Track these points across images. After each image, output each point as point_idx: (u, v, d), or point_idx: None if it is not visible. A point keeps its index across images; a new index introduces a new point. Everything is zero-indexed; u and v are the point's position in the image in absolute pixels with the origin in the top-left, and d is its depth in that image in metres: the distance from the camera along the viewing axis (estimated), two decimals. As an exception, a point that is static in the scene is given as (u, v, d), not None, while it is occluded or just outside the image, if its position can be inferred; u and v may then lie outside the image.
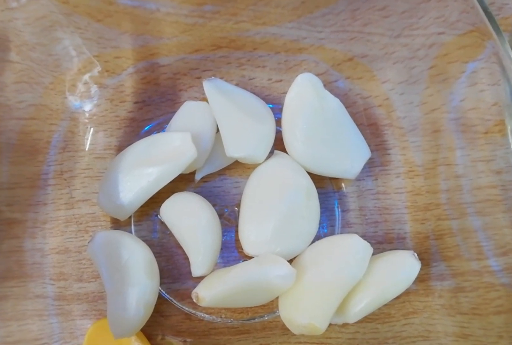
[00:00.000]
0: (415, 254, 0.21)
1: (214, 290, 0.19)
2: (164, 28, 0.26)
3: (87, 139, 0.24)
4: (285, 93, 0.25)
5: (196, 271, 0.21)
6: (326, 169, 0.23)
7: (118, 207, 0.21)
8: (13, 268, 0.23)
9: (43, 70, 0.24)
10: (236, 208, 0.23)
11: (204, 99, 0.24)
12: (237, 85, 0.26)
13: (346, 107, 0.25)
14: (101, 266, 0.20)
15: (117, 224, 0.23)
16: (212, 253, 0.21)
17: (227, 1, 0.26)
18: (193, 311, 0.22)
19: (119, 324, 0.19)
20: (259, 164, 0.23)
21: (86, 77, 0.25)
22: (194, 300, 0.20)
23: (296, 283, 0.20)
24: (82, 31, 0.24)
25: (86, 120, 0.24)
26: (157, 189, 0.21)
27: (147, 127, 0.24)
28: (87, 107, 0.24)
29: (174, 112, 0.24)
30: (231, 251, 0.23)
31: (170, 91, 0.25)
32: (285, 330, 0.22)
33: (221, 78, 0.26)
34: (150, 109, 0.25)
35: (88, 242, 0.21)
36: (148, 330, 0.21)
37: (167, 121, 0.24)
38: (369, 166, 0.25)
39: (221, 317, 0.22)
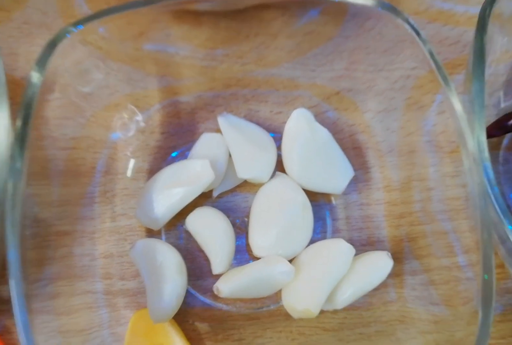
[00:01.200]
0: (389, 254, 0.26)
1: (231, 284, 0.24)
2: (183, 70, 0.31)
3: (124, 164, 0.29)
4: (285, 122, 0.29)
5: (216, 269, 0.26)
6: (318, 186, 0.28)
7: (153, 219, 0.26)
8: (63, 271, 0.27)
9: (85, 105, 0.28)
10: (245, 218, 0.28)
11: (218, 130, 0.29)
12: (244, 117, 0.30)
13: (334, 134, 0.30)
14: (141, 267, 0.25)
15: (151, 233, 0.28)
16: (228, 255, 0.26)
17: (234, 44, 0.31)
18: (213, 303, 0.27)
19: (157, 313, 0.25)
20: (264, 183, 0.27)
21: (121, 112, 0.30)
22: (215, 292, 0.25)
23: (295, 278, 0.25)
24: (115, 73, 0.29)
25: (123, 149, 0.29)
26: (184, 205, 0.26)
27: (173, 154, 0.29)
28: (123, 137, 0.29)
29: (194, 140, 0.29)
30: (242, 254, 0.28)
31: (189, 123, 0.30)
32: (287, 316, 0.26)
33: (231, 111, 0.30)
34: (174, 138, 0.29)
35: (130, 249, 0.26)
36: (179, 317, 0.26)
37: (189, 149, 0.28)
38: (354, 182, 0.29)
39: (235, 307, 0.27)
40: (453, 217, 0.28)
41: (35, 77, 0.22)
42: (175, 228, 0.28)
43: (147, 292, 0.25)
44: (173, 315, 0.25)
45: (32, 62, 0.31)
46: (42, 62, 0.22)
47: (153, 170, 0.29)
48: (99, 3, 0.33)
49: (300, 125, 0.28)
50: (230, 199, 0.29)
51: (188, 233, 0.27)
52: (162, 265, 0.25)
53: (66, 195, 0.28)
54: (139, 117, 0.29)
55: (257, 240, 0.26)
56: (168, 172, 0.27)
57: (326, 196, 0.29)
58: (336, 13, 0.29)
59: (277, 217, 0.26)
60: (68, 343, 0.26)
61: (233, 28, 0.31)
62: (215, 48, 0.31)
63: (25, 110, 0.22)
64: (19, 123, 0.22)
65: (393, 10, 0.24)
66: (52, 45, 0.22)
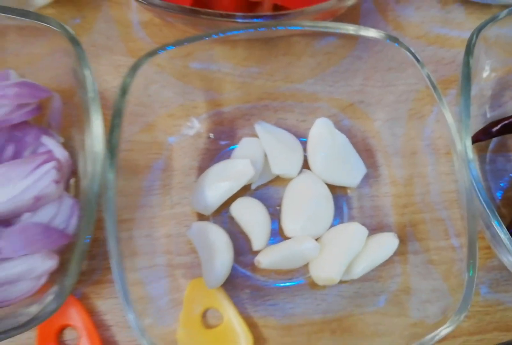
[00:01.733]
0: (395, 234, 0.32)
1: (269, 257, 0.31)
2: (224, 85, 0.37)
3: (179, 163, 0.35)
4: (308, 129, 0.35)
5: (256, 246, 0.32)
6: (337, 181, 0.34)
7: (205, 206, 0.32)
8: (129, 249, 0.32)
9: (149, 113, 0.34)
10: (277, 207, 0.34)
11: (254, 135, 0.35)
12: (275, 124, 0.36)
13: (349, 138, 0.35)
14: (197, 244, 0.32)
15: (201, 218, 0.33)
16: (266, 235, 0.32)
17: (266, 63, 0.38)
18: (252, 274, 0.33)
19: (211, 280, 0.31)
20: (293, 178, 0.33)
21: (176, 120, 0.36)
22: (256, 264, 0.31)
23: (320, 253, 0.31)
24: (171, 87, 0.35)
25: (178, 150, 0.35)
26: (230, 195, 0.32)
27: (218, 154, 0.35)
28: (178, 141, 0.35)
29: (235, 143, 0.35)
30: (275, 236, 0.33)
31: (230, 129, 0.36)
32: (312, 286, 0.33)
33: (264, 120, 0.36)
34: (218, 142, 0.35)
35: (187, 230, 0.32)
36: (225, 285, 0.32)
37: (231, 150, 0.35)
38: (366, 178, 0.35)
39: (270, 278, 0.33)
40: (447, 207, 0.33)
41: (121, 95, 0.28)
42: (220, 214, 0.34)
43: (202, 264, 0.32)
44: (222, 283, 0.31)
45: (99, 78, 0.38)
46: (126, 84, 0.28)
47: (201, 167, 0.35)
48: (154, 30, 0.40)
49: (322, 131, 0.34)
50: (265, 191, 0.35)
51: (231, 218, 0.34)
52: (213, 242, 0.31)
53: (128, 188, 0.33)
54: (190, 124, 0.36)
55: (289, 223, 0.32)
56: (216, 169, 0.33)
57: (343, 189, 0.35)
58: (350, 38, 0.35)
59: (304, 205, 0.32)
60: (136, 308, 0.32)
61: (265, 49, 0.37)
62: (250, 66, 0.37)
63: (114, 121, 0.28)
64: (110, 135, 0.28)
65: (398, 41, 0.31)
66: (134, 69, 0.28)
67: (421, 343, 0.26)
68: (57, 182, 0.28)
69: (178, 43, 0.29)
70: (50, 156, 0.28)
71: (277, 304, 0.33)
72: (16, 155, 0.30)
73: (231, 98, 0.37)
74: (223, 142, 0.36)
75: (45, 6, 0.39)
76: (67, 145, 0.34)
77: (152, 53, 0.29)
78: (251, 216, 0.32)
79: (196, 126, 0.36)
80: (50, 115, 0.33)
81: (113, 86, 0.37)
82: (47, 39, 0.35)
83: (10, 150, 0.30)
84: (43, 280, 0.28)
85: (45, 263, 0.28)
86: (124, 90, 0.28)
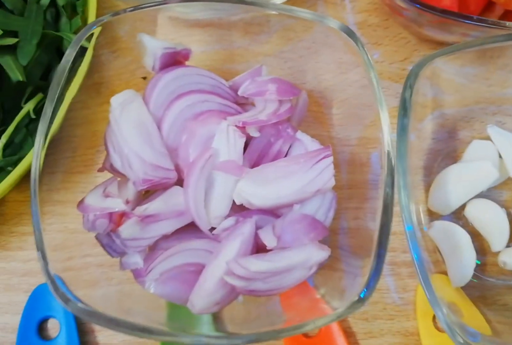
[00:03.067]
0: None
1: (515, 259, 0.32)
2: (445, 85, 0.38)
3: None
4: None
5: (495, 248, 0.33)
6: None
7: (445, 206, 0.34)
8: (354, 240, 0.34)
9: (367, 114, 0.34)
10: (506, 210, 0.34)
11: (475, 137, 0.36)
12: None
13: None
14: (440, 242, 0.33)
15: (432, 217, 0.35)
16: (506, 237, 0.33)
17: (480, 65, 0.38)
18: (482, 275, 0.34)
19: (457, 278, 0.32)
20: None
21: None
22: (501, 265, 0.32)
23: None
24: (385, 90, 0.36)
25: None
26: (471, 197, 0.33)
27: (441, 154, 0.36)
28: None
29: (455, 145, 0.36)
30: None
31: (453, 130, 0.37)
32: None
33: (482, 122, 0.38)
34: (440, 143, 0.37)
35: (429, 228, 0.33)
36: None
37: (453, 152, 0.36)
38: None
39: (499, 279, 0.34)
40: None
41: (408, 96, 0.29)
42: (451, 214, 0.35)
43: (447, 261, 0.33)
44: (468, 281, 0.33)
45: (319, 77, 0.39)
46: (411, 86, 0.29)
47: (427, 167, 0.36)
48: (368, 30, 0.41)
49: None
50: (495, 193, 0.36)
51: (461, 217, 0.35)
52: (458, 242, 0.32)
53: (352, 181, 0.34)
54: (415, 125, 0.37)
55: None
56: (455, 170, 0.34)
57: None
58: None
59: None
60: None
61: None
62: (464, 66, 0.38)
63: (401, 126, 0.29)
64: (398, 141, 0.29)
65: None
66: (417, 72, 0.29)
67: None
68: (334, 176, 0.30)
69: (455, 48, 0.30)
70: (328, 152, 0.30)
71: (507, 305, 0.34)
72: (280, 150, 0.32)
73: (451, 99, 0.38)
74: (443, 144, 0.37)
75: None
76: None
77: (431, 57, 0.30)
78: (489, 217, 0.33)
79: (420, 128, 0.37)
80: (296, 111, 0.34)
81: (331, 85, 0.38)
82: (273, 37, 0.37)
83: (278, 144, 0.31)
84: (313, 270, 0.30)
85: (319, 254, 0.29)
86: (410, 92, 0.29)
